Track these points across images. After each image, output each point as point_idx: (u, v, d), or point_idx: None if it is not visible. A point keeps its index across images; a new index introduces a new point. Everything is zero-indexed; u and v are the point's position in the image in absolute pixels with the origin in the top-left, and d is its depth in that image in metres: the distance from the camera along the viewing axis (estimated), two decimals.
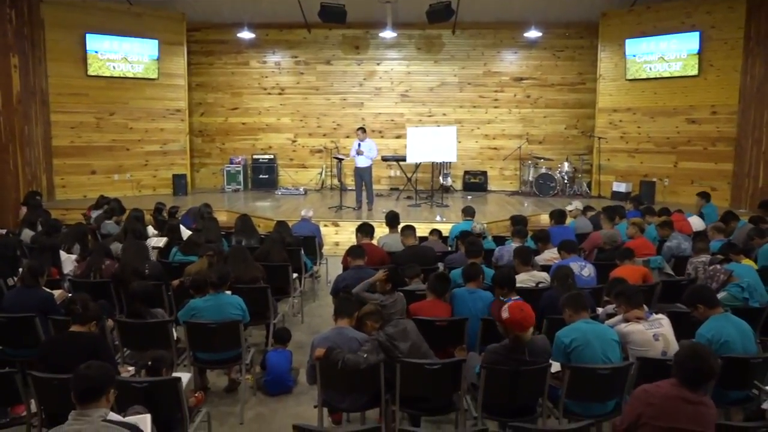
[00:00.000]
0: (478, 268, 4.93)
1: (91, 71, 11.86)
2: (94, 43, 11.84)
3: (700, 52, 11.36)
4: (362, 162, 10.79)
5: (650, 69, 12.12)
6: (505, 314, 3.64)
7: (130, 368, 4.42)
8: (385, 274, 4.85)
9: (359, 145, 10.73)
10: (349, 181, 13.59)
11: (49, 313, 4.66)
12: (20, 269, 5.61)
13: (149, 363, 3.88)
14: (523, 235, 6.61)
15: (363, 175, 10.90)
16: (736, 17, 10.92)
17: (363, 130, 11.03)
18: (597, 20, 12.83)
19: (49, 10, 11.26)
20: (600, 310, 4.81)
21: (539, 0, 11.24)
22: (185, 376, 3.94)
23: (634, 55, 12.28)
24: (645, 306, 4.23)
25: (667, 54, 11.81)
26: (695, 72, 11.48)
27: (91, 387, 2.78)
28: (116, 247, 6.46)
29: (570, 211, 8.58)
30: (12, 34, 10.33)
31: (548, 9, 12.56)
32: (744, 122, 10.84)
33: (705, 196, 9.28)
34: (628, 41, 12.29)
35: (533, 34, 13.15)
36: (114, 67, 12.14)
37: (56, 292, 5.15)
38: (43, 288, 4.94)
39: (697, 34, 11.36)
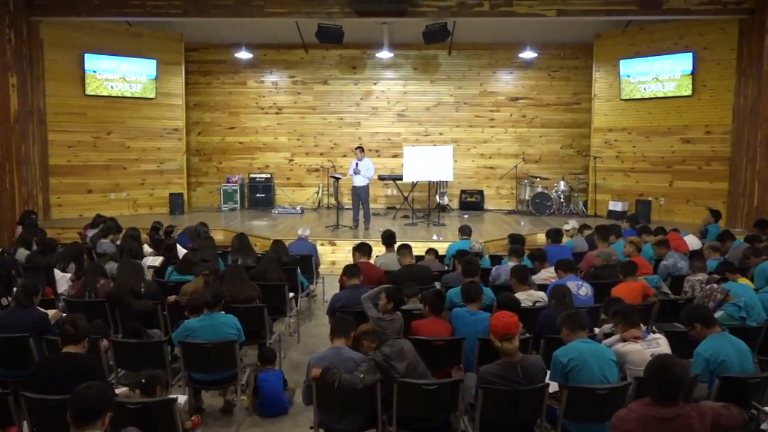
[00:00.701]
0: (479, 288, 4.89)
1: (89, 91, 11.91)
2: (93, 62, 11.91)
3: (693, 73, 11.49)
4: (359, 181, 10.83)
5: (644, 89, 12.23)
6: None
7: (123, 389, 4.37)
8: (393, 291, 4.81)
9: (357, 164, 10.78)
10: (346, 200, 13.61)
11: (44, 333, 4.62)
12: (14, 288, 5.56)
13: (143, 381, 3.85)
14: (519, 254, 6.61)
15: (360, 194, 10.93)
16: (728, 38, 11.06)
17: (361, 149, 11.09)
18: (591, 41, 12.99)
19: (49, 30, 11.34)
20: (597, 329, 4.80)
21: (534, 21, 11.37)
22: (181, 399, 3.90)
23: (628, 76, 12.40)
24: (642, 325, 4.22)
25: (661, 74, 11.93)
26: (689, 92, 11.59)
27: (89, 408, 2.75)
28: (111, 266, 6.42)
29: (567, 230, 8.59)
30: (11, 53, 10.38)
31: (543, 30, 12.72)
32: (738, 142, 10.92)
33: (716, 215, 9.33)
34: (622, 62, 12.43)
35: (528, 54, 13.29)
36: (112, 87, 12.20)
37: (51, 312, 5.10)
38: (38, 307, 4.90)
39: (690, 55, 11.50)
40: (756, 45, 10.42)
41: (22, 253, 7.44)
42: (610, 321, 4.59)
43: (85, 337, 3.90)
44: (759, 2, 10.29)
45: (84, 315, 4.27)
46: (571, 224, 8.81)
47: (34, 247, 7.63)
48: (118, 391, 4.16)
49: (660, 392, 2.88)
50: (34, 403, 3.51)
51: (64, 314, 5.20)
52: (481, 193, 13.92)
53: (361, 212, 11.04)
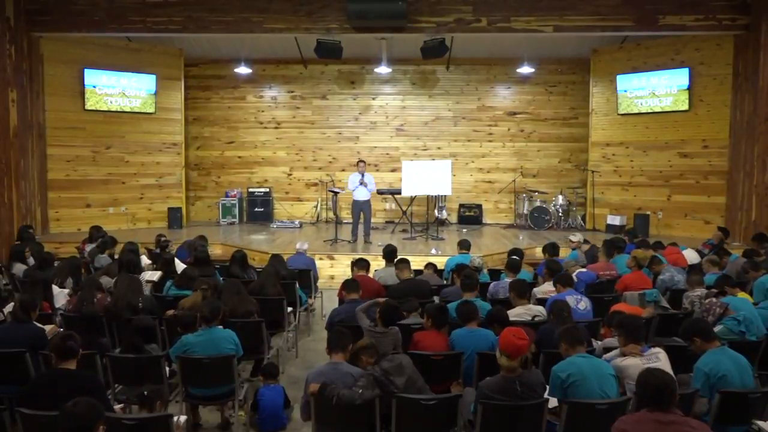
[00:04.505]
0: (473, 306, 4.84)
1: (88, 105, 11.95)
2: (92, 77, 11.96)
3: (690, 88, 11.56)
4: (364, 195, 10.82)
5: (641, 104, 12.30)
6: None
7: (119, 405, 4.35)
8: (388, 309, 4.79)
9: (362, 176, 10.78)
10: (345, 215, 13.61)
11: (40, 348, 4.59)
12: (10, 303, 5.54)
13: (145, 393, 3.83)
14: (515, 269, 6.55)
15: (364, 208, 10.90)
16: (723, 54, 11.15)
17: (364, 162, 11.15)
18: (588, 56, 13.08)
19: (49, 45, 11.40)
20: (598, 343, 4.78)
21: (531, 37, 11.46)
22: (181, 418, 3.88)
23: (625, 91, 12.48)
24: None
25: (658, 89, 12.01)
26: (686, 107, 11.66)
27: (79, 425, 2.73)
28: (105, 281, 6.38)
29: (573, 242, 8.63)
30: (11, 69, 10.42)
31: (540, 45, 12.81)
32: (735, 156, 10.97)
33: (726, 233, 9.31)
34: (619, 77, 12.51)
35: (526, 69, 13.38)
36: (111, 102, 12.24)
37: (48, 327, 5.08)
38: (35, 323, 4.87)
39: (686, 70, 11.58)
40: (751, 60, 10.50)
41: (19, 268, 7.41)
42: (610, 334, 4.59)
43: (79, 352, 3.86)
44: (753, 19, 10.39)
45: (80, 331, 4.24)
46: (578, 236, 8.84)
47: (30, 261, 7.60)
48: (116, 407, 4.13)
49: (653, 398, 2.95)
50: (29, 419, 3.48)
51: (61, 329, 5.18)
52: (479, 207, 13.93)
53: (361, 227, 11.03)
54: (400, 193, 12.35)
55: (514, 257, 7.10)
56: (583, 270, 6.85)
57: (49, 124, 11.56)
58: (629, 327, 4.11)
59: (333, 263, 9.76)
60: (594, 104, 13.07)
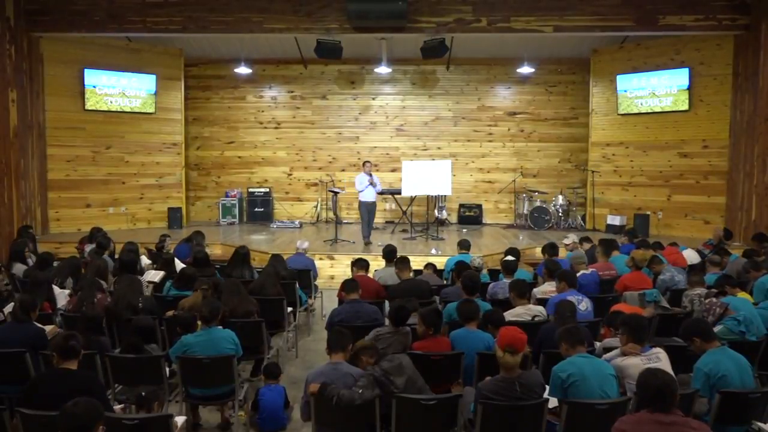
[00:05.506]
0: (475, 305, 4.85)
1: (88, 106, 11.95)
2: (92, 77, 11.96)
3: (690, 88, 11.56)
4: (372, 195, 10.84)
5: (641, 104, 12.30)
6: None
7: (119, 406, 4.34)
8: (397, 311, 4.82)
9: (371, 177, 10.78)
10: (344, 215, 13.64)
11: (41, 348, 4.59)
12: (10, 303, 5.53)
13: (142, 394, 3.83)
14: (511, 270, 6.53)
15: (371, 208, 10.93)
16: (723, 54, 11.15)
17: (371, 163, 11.21)
18: (588, 56, 13.08)
19: (49, 45, 11.40)
20: (597, 344, 4.78)
21: (531, 37, 11.46)
22: (181, 419, 3.88)
23: (625, 91, 12.48)
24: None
25: (658, 89, 12.01)
26: (686, 107, 11.66)
27: (78, 425, 2.73)
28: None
29: (567, 244, 8.60)
30: (11, 69, 10.42)
31: (540, 45, 12.81)
32: (735, 156, 10.97)
33: (728, 235, 9.31)
34: (619, 77, 12.51)
35: (526, 69, 13.38)
36: (111, 102, 12.24)
37: (48, 327, 5.08)
38: (35, 323, 4.87)
39: (686, 70, 11.58)
40: (751, 60, 10.50)
41: (19, 268, 7.41)
42: (609, 334, 4.58)
43: (81, 352, 3.86)
44: (753, 19, 10.39)
45: (80, 331, 4.24)
46: (571, 238, 8.81)
47: (30, 261, 7.59)
48: (116, 408, 4.13)
49: (654, 399, 2.95)
50: (30, 419, 3.48)
51: (61, 329, 5.18)
52: (479, 207, 13.93)
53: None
54: (400, 193, 12.35)
55: (509, 258, 7.07)
56: (587, 272, 6.83)
57: (49, 124, 11.55)
58: (634, 326, 4.09)
59: (333, 263, 9.76)
60: (594, 104, 13.07)
